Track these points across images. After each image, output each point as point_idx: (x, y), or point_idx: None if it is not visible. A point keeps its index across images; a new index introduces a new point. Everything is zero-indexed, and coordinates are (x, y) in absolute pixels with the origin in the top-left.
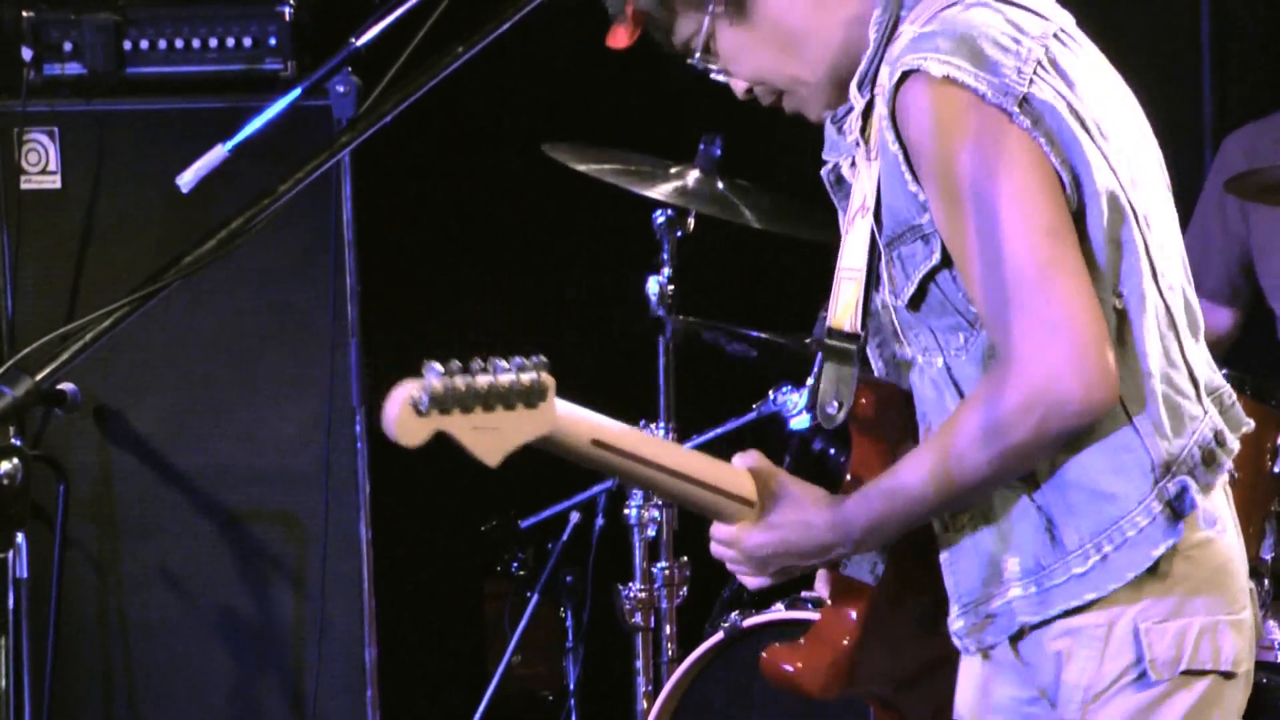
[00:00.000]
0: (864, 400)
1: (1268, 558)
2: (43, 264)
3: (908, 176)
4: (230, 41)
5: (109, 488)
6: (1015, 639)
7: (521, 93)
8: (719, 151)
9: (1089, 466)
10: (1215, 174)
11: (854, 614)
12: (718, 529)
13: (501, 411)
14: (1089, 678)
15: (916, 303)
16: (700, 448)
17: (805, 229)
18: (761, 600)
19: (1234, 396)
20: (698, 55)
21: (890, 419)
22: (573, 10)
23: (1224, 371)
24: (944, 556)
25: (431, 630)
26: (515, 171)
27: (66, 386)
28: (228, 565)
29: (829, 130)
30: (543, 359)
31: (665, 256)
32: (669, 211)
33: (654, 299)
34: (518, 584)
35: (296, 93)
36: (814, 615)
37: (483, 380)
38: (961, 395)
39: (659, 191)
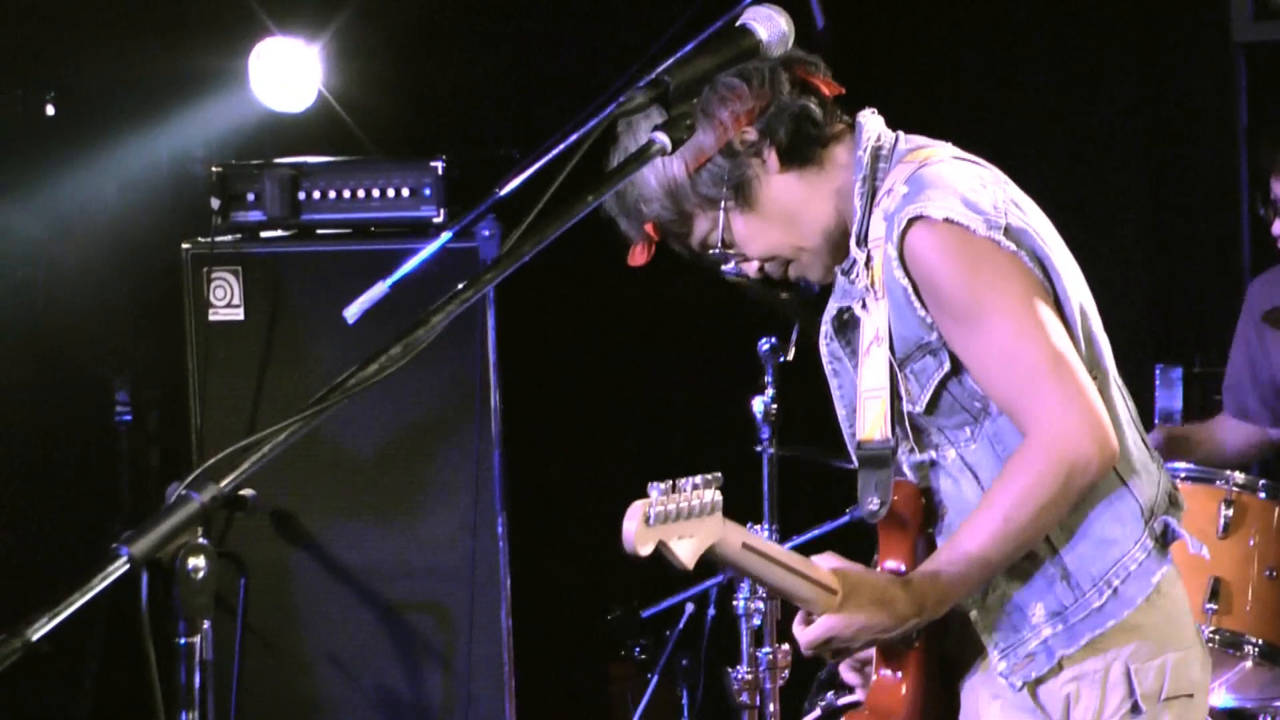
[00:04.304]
0: (897, 497)
1: None
2: (227, 385)
3: (916, 303)
4: (390, 192)
5: (283, 581)
6: (1035, 685)
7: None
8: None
9: (1093, 518)
10: (1245, 316)
11: (902, 678)
12: (806, 632)
13: (695, 521)
14: (1093, 714)
15: (931, 408)
16: (798, 547)
17: None
18: None
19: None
20: (718, 248)
21: (913, 512)
22: None
23: (1263, 482)
24: (974, 615)
25: (564, 707)
26: (638, 305)
27: (247, 492)
28: (386, 649)
29: (840, 281)
30: (718, 476)
31: (769, 380)
32: (773, 339)
33: (759, 417)
34: (639, 666)
35: (447, 236)
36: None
37: (686, 501)
38: (976, 477)
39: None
